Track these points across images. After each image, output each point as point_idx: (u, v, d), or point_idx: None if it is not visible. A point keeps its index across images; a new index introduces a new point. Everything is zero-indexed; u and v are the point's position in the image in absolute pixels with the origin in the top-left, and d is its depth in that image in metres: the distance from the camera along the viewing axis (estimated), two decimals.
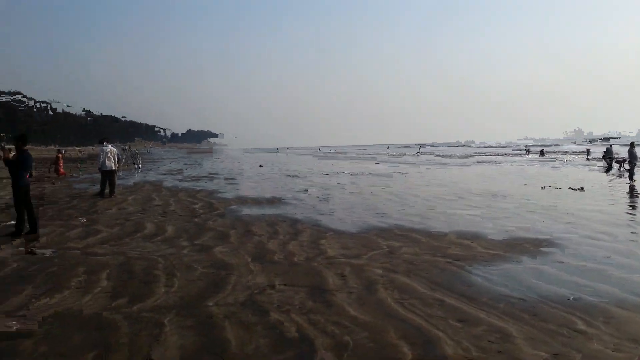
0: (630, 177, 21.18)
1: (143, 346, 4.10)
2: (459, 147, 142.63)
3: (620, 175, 25.35)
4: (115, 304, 5.23)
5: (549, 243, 8.44)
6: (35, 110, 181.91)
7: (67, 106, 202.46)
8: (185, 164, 44.62)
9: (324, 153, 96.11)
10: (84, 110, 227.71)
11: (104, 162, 15.66)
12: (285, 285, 5.94)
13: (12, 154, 9.71)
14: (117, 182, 17.45)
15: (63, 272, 6.54)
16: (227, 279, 6.19)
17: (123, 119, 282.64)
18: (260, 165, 43.23)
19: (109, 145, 16.12)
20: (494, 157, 60.25)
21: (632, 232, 9.47)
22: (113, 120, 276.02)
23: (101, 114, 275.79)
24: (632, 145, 23.26)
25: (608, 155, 30.91)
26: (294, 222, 10.89)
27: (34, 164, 10.20)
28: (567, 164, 39.22)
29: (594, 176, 25.19)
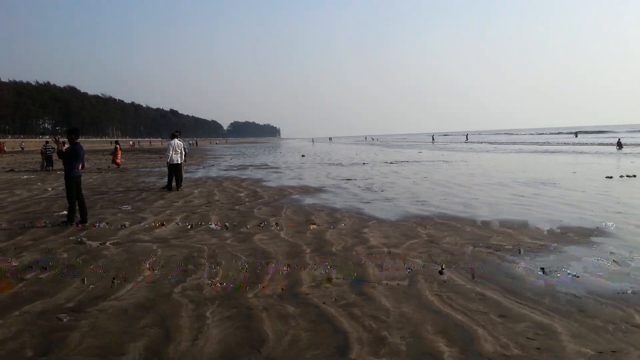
0: None
1: (185, 339, 4.19)
2: (503, 135, 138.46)
3: None
4: (160, 294, 5.36)
5: (600, 232, 8.10)
6: (95, 103, 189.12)
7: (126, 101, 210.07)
8: (243, 156, 45.41)
9: (367, 142, 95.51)
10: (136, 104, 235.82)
11: (172, 155, 15.80)
12: (323, 276, 5.94)
13: (66, 146, 10.05)
14: (185, 175, 17.73)
15: (109, 262, 6.76)
16: (266, 269, 6.25)
17: (187, 115, 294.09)
18: (303, 156, 43.45)
19: (176, 139, 16.15)
20: (545, 145, 58.26)
21: None
22: (179, 115, 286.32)
23: (171, 109, 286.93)
24: None
25: None
26: (335, 210, 10.90)
27: (85, 156, 10.58)
28: (617, 154, 37.64)
29: None
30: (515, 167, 23.47)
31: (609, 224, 8.78)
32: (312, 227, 9.03)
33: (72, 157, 9.76)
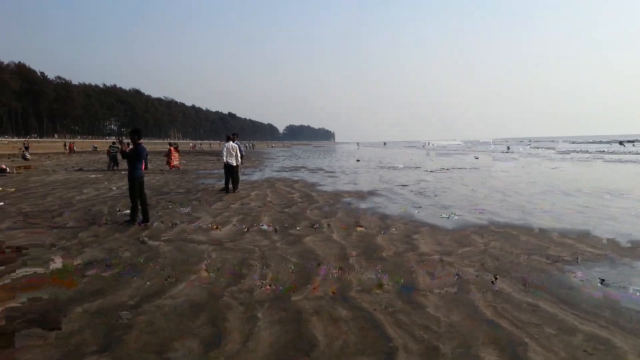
0: None
1: (236, 340, 4.30)
2: (558, 142, 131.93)
3: None
4: (212, 294, 5.53)
5: None
6: (154, 106, 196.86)
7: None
8: (297, 159, 45.94)
9: (423, 147, 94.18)
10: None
11: (226, 158, 16.08)
12: (373, 281, 5.93)
13: (130, 147, 10.49)
14: (241, 177, 18.08)
15: (168, 261, 7.03)
16: (317, 272, 6.31)
17: (245, 118, 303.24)
18: (358, 160, 43.42)
19: (231, 142, 16.40)
20: (603, 154, 55.41)
21: None
22: (237, 118, 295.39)
23: (229, 112, 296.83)
24: None
25: None
26: (387, 215, 10.84)
27: (149, 157, 11.03)
28: None
29: None
30: (577, 176, 22.50)
31: None
32: (359, 229, 9.03)
33: (135, 158, 10.18)
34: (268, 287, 5.76)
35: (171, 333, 4.42)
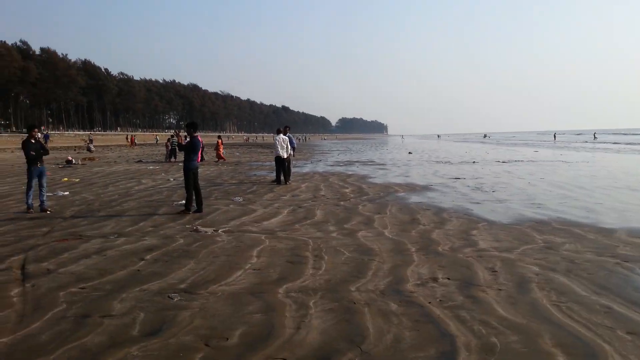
0: None
1: (288, 327, 4.24)
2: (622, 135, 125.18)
3: None
4: (265, 283, 5.51)
5: None
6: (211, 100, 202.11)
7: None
8: (349, 152, 45.95)
9: (478, 139, 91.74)
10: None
11: (277, 150, 16.22)
12: (428, 275, 5.74)
13: (187, 139, 10.70)
14: (293, 170, 18.24)
15: (220, 249, 7.10)
16: (369, 265, 6.18)
17: (298, 111, 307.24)
18: (410, 152, 42.83)
19: (282, 135, 16.49)
20: None
21: None
22: (290, 111, 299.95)
23: (282, 105, 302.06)
24: None
25: None
26: (441, 210, 10.55)
27: (205, 149, 11.25)
28: None
29: None
30: None
31: None
32: (413, 223, 8.81)
33: (190, 150, 10.39)
34: (320, 277, 5.68)
35: (223, 319, 4.42)
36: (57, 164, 26.35)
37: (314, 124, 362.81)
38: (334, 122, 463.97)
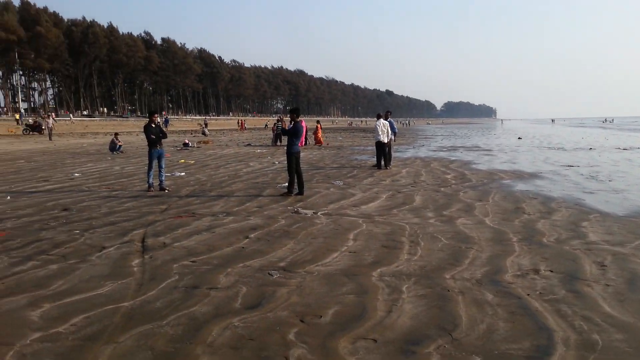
0: None
1: (379, 310, 4.34)
2: None
3: None
4: (359, 265, 5.65)
5: None
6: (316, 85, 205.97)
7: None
8: (454, 137, 44.67)
9: (597, 124, 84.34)
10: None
11: (377, 135, 16.25)
12: (529, 267, 5.52)
13: (291, 124, 11.10)
14: (394, 154, 18.23)
15: (318, 231, 7.34)
16: (467, 253, 6.07)
17: (401, 95, 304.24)
18: (519, 138, 40.60)
19: (382, 119, 16.49)
20: None
21: None
22: (393, 95, 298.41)
23: (386, 90, 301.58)
24: None
25: None
26: (550, 199, 9.98)
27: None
28: None
29: None
30: None
31: None
32: (517, 212, 8.43)
33: (293, 134, 10.76)
34: (415, 263, 5.70)
35: (318, 297, 4.63)
36: (175, 147, 28.47)
37: (418, 108, 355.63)
38: (439, 106, 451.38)
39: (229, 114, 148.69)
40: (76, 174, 14.92)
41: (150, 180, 11.44)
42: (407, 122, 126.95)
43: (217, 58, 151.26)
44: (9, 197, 10.53)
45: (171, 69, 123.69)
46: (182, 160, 19.61)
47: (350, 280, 5.13)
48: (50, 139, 36.66)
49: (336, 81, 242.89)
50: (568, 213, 8.55)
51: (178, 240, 6.85)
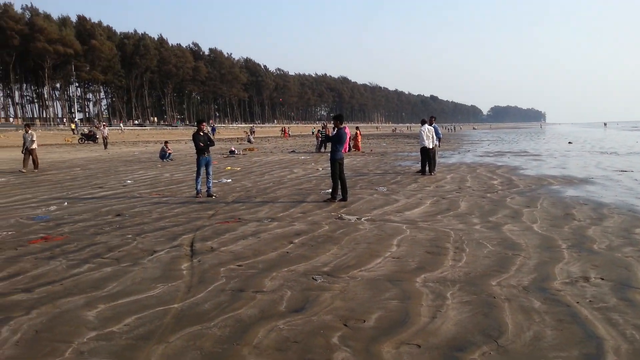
0: None
1: (423, 316, 4.34)
2: None
3: None
4: (403, 271, 5.65)
5: None
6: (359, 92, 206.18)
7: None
8: (501, 142, 43.68)
9: None
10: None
11: (423, 140, 16.07)
12: (579, 274, 5.37)
13: (334, 131, 11.19)
14: (439, 160, 18.06)
15: (362, 237, 7.38)
16: (514, 260, 5.97)
17: (446, 100, 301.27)
18: (570, 142, 39.30)
19: (427, 125, 16.36)
20: None
21: None
22: (438, 100, 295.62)
23: (431, 95, 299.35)
24: None
25: None
26: (602, 205, 9.66)
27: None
28: None
29: None
30: None
31: None
32: (566, 219, 8.19)
33: (336, 141, 10.85)
34: (460, 269, 5.66)
35: (361, 302, 4.67)
36: (222, 154, 29.11)
37: (463, 113, 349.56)
38: (485, 110, 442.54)
39: (273, 122, 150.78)
40: (128, 181, 15.53)
41: (199, 187, 11.77)
42: (452, 127, 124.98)
43: (262, 67, 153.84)
44: (66, 203, 11.08)
45: (218, 79, 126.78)
46: (229, 168, 20.05)
47: (393, 285, 5.14)
48: (105, 147, 38.22)
49: (380, 87, 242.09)
50: (620, 219, 8.26)
51: (225, 244, 7.04)
